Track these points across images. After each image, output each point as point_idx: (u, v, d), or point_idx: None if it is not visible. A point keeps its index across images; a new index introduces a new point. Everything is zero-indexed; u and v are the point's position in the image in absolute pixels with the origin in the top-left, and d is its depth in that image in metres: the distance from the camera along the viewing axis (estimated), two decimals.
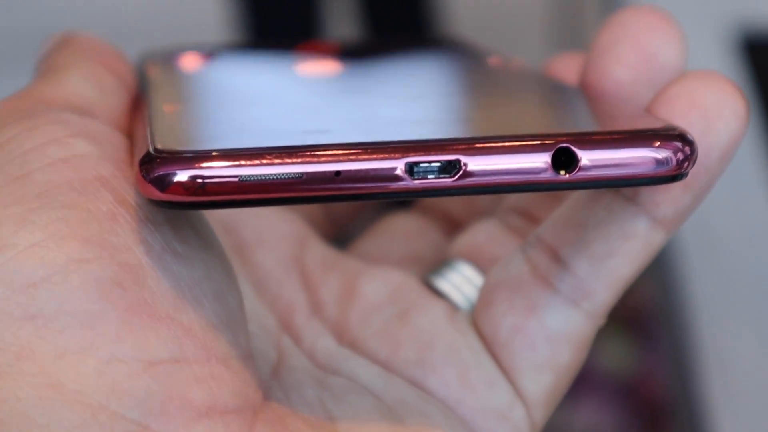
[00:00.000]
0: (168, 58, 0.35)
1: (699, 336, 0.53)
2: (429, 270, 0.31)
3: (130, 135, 0.27)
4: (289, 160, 0.23)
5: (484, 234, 0.31)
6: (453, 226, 0.34)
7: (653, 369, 1.13)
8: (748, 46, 0.69)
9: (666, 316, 0.60)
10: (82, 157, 0.25)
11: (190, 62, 0.35)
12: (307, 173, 0.23)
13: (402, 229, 0.34)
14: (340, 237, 0.35)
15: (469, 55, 0.37)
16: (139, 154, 0.24)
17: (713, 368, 0.52)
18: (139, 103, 0.29)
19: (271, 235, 0.31)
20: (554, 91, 0.31)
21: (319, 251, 0.31)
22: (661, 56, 0.28)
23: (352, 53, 0.39)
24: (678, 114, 0.26)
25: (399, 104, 0.29)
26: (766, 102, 0.65)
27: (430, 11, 1.60)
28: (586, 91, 0.29)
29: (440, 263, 0.31)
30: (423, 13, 1.60)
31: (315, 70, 0.36)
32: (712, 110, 0.27)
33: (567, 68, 0.32)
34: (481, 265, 0.31)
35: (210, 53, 0.36)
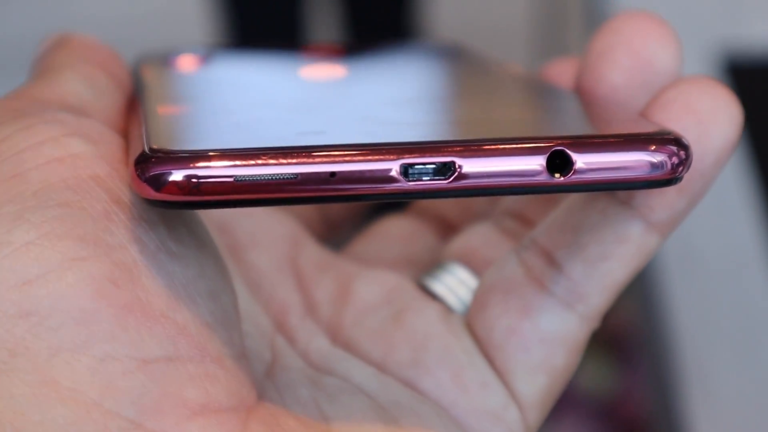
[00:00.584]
0: (163, 60, 0.35)
1: (680, 356, 0.53)
2: (423, 272, 0.31)
3: (125, 135, 0.27)
4: (284, 161, 0.23)
5: (478, 237, 0.31)
6: (447, 229, 0.34)
7: (632, 389, 1.13)
8: (732, 69, 0.69)
9: (647, 337, 0.60)
10: (78, 156, 0.25)
11: (185, 63, 0.35)
12: (302, 174, 0.23)
13: (396, 232, 0.34)
14: (335, 239, 0.35)
15: (465, 58, 0.37)
16: (134, 153, 0.24)
17: (695, 388, 0.52)
18: (134, 103, 0.29)
19: (265, 235, 0.31)
20: (549, 95, 0.31)
21: (313, 252, 0.32)
22: (656, 61, 0.28)
23: (348, 55, 0.39)
24: (673, 118, 0.26)
25: (394, 106, 0.29)
26: (751, 124, 0.65)
27: (413, 22, 1.61)
28: (581, 96, 0.29)
29: (434, 265, 0.31)
30: (406, 23, 1.60)
31: (310, 71, 0.36)
32: (707, 115, 0.27)
33: (562, 73, 0.32)
34: (475, 267, 0.31)
35: (205, 55, 0.36)
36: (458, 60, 0.38)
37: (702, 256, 0.57)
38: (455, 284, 0.30)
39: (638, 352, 1.10)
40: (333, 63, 0.38)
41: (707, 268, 0.57)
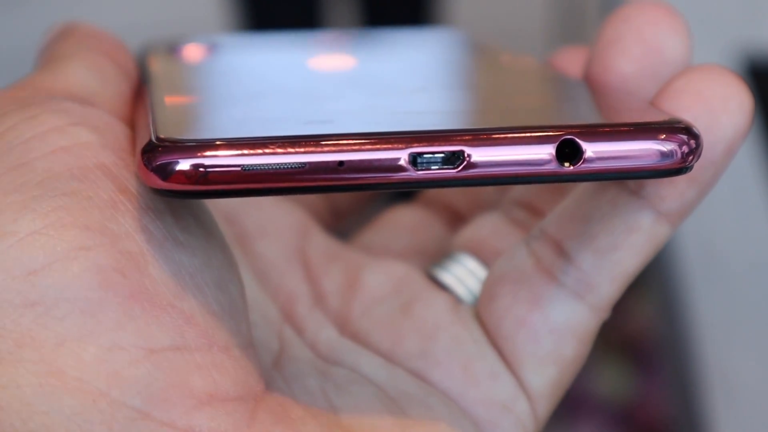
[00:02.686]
0: (170, 49, 0.35)
1: (703, 359, 0.53)
2: (432, 262, 0.31)
3: (131, 124, 0.27)
4: (292, 150, 0.23)
5: (487, 227, 0.31)
6: (456, 219, 0.34)
7: (651, 394, 1.13)
8: (752, 72, 0.69)
9: (668, 340, 0.60)
10: (83, 145, 0.25)
11: (192, 53, 0.35)
12: (310, 163, 0.23)
13: (405, 222, 0.34)
14: (343, 229, 0.34)
15: (474, 46, 0.37)
16: (141, 142, 0.24)
17: (717, 392, 0.52)
18: (140, 92, 0.29)
19: (273, 225, 0.31)
20: (558, 84, 0.30)
21: (321, 242, 0.31)
22: (665, 50, 0.28)
23: (355, 43, 0.39)
24: (683, 107, 0.26)
25: (403, 95, 0.29)
26: None
27: (430, 13, 1.61)
28: (591, 84, 0.29)
29: (443, 256, 0.31)
30: (424, 14, 1.60)
31: (318, 60, 0.36)
32: (718, 104, 0.26)
33: (571, 62, 0.32)
34: (484, 258, 0.30)
35: (212, 44, 0.36)
36: (467, 48, 0.37)
37: (724, 258, 0.57)
38: (464, 274, 0.30)
39: (657, 357, 1.10)
40: (341, 51, 0.38)
41: (729, 271, 0.57)
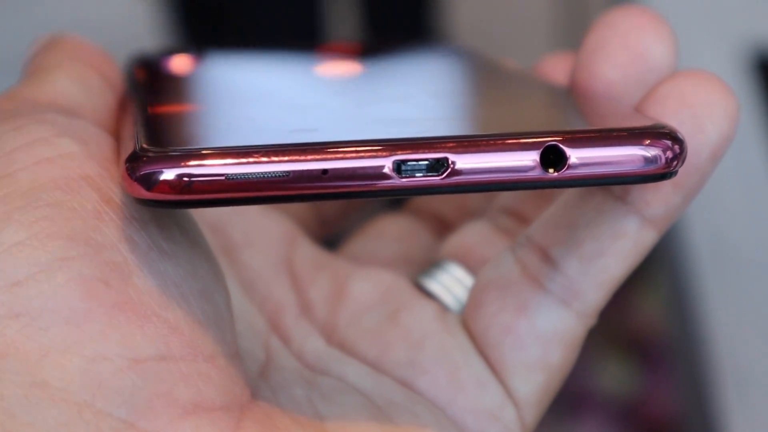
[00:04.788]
0: (155, 60, 0.35)
1: (715, 355, 0.53)
2: (419, 271, 0.31)
3: (116, 135, 0.27)
4: (275, 159, 0.23)
5: (474, 235, 0.31)
6: (443, 227, 0.34)
7: (655, 390, 1.12)
8: (761, 65, 0.69)
9: (679, 336, 0.60)
10: (68, 156, 0.25)
11: (176, 63, 0.35)
12: (293, 171, 0.23)
13: (392, 230, 0.34)
14: (330, 238, 0.34)
15: (458, 55, 0.37)
16: (126, 152, 0.24)
17: (730, 388, 0.51)
18: (125, 103, 0.29)
19: (260, 235, 0.31)
20: (543, 91, 0.30)
21: (308, 252, 0.31)
22: (650, 55, 0.28)
23: (339, 53, 0.39)
24: (668, 113, 0.26)
25: (387, 103, 0.29)
26: None
27: (433, 17, 1.60)
28: (576, 91, 0.29)
29: (430, 264, 0.31)
30: (426, 18, 1.60)
31: (302, 69, 0.36)
32: (702, 109, 0.26)
33: (557, 68, 0.32)
34: (471, 265, 0.30)
35: (197, 54, 0.36)
36: (452, 56, 0.37)
37: (734, 251, 0.57)
38: (451, 283, 0.30)
39: (664, 352, 1.10)
40: (327, 60, 0.38)
41: (741, 266, 0.57)
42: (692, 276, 0.56)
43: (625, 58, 0.28)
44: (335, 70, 0.35)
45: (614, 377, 1.13)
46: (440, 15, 1.61)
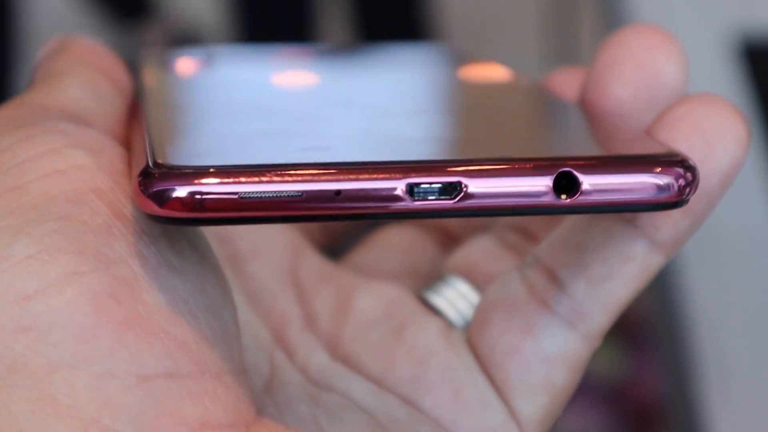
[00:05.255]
0: (165, 62, 0.35)
1: (696, 340, 0.53)
2: (424, 284, 0.31)
3: (126, 143, 0.27)
4: (289, 179, 0.23)
5: (479, 250, 0.31)
6: (449, 241, 0.33)
7: (643, 373, 1.13)
8: (748, 53, 0.69)
9: (663, 321, 0.60)
10: (79, 168, 0.25)
11: (187, 67, 0.35)
12: (307, 192, 0.23)
13: (397, 242, 0.33)
14: (335, 248, 0.34)
15: (470, 67, 0.37)
16: (138, 166, 0.24)
17: (711, 372, 0.52)
18: (135, 109, 0.29)
19: (265, 246, 0.31)
20: (555, 110, 0.30)
21: (314, 263, 0.31)
22: (662, 76, 0.28)
23: (353, 62, 0.39)
24: (679, 138, 0.26)
25: (399, 120, 0.29)
26: (767, 109, 0.65)
27: (423, 17, 1.60)
28: (586, 110, 0.29)
29: (435, 278, 0.31)
30: (416, 19, 1.60)
31: (314, 81, 0.35)
32: (714, 135, 0.26)
33: (566, 84, 0.32)
34: (476, 281, 0.30)
35: (207, 58, 0.36)
36: (463, 69, 0.37)
37: (719, 239, 0.57)
38: (456, 298, 0.30)
39: (650, 336, 1.10)
40: (338, 68, 0.37)
41: (724, 252, 0.57)
42: (677, 262, 0.57)
43: (636, 77, 0.28)
44: (348, 81, 0.35)
45: (602, 360, 1.13)
46: (431, 9, 1.61)
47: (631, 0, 0.74)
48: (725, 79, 0.66)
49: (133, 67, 0.32)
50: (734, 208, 0.58)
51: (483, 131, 0.28)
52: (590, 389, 1.13)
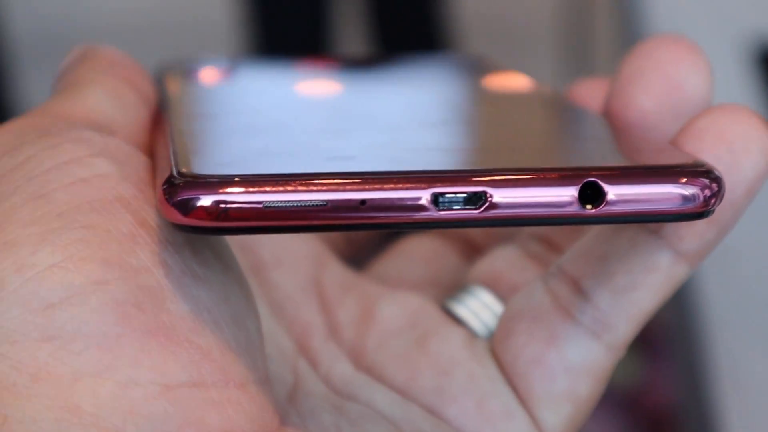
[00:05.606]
0: (187, 72, 0.35)
1: (711, 348, 0.53)
2: (447, 294, 0.31)
3: (150, 152, 0.27)
4: (314, 188, 0.23)
5: (503, 260, 0.31)
6: (471, 250, 0.33)
7: (657, 380, 1.12)
8: (763, 59, 0.69)
9: (678, 328, 0.60)
10: (103, 177, 0.25)
11: (210, 77, 0.35)
12: (332, 201, 0.23)
13: (420, 252, 0.33)
14: (358, 258, 0.34)
15: (494, 77, 0.37)
16: (162, 175, 0.24)
17: (725, 380, 0.52)
18: (158, 118, 0.29)
19: (289, 255, 0.31)
20: (579, 120, 0.30)
21: (337, 272, 0.31)
22: (687, 86, 0.28)
23: (375, 71, 0.39)
24: (705, 148, 0.26)
25: (424, 131, 0.29)
26: None
27: (440, 23, 1.60)
28: (611, 120, 0.29)
29: (458, 288, 0.31)
30: (433, 26, 1.60)
31: (338, 88, 0.36)
32: (740, 145, 0.26)
33: (590, 94, 0.32)
34: (499, 291, 0.30)
35: (229, 68, 0.36)
36: (486, 78, 0.37)
37: (734, 246, 0.57)
38: (479, 308, 0.30)
39: (665, 344, 1.09)
40: (361, 79, 0.37)
41: (739, 259, 0.57)
42: (692, 275, 0.56)
43: (661, 88, 0.28)
44: (371, 90, 0.35)
45: (618, 368, 1.13)
46: (447, 16, 1.61)
47: (647, 7, 0.73)
48: (742, 86, 0.66)
49: (157, 77, 0.32)
50: (749, 216, 0.58)
51: (508, 142, 0.28)
52: (605, 397, 1.12)
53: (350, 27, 1.66)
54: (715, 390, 0.52)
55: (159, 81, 0.32)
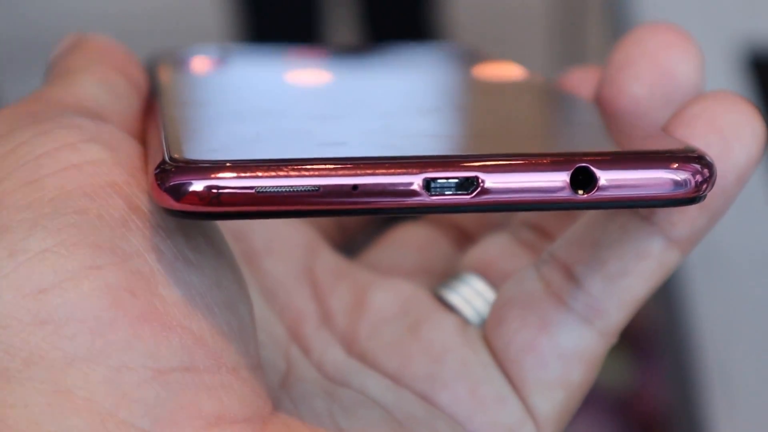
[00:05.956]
0: (179, 61, 0.35)
1: (701, 352, 0.53)
2: (439, 282, 0.31)
3: (142, 140, 0.27)
4: (306, 173, 0.23)
5: (495, 248, 0.31)
6: (464, 238, 0.33)
7: (649, 384, 1.13)
8: (754, 64, 0.69)
9: (667, 333, 0.60)
10: (95, 162, 0.25)
11: (202, 65, 0.35)
12: (324, 186, 0.23)
13: (412, 240, 0.33)
14: (351, 246, 0.34)
15: (485, 65, 0.37)
16: (154, 161, 0.24)
17: (716, 384, 0.52)
18: (151, 106, 0.29)
19: (281, 243, 0.31)
20: (570, 107, 0.30)
21: (329, 260, 0.31)
22: (678, 73, 0.28)
23: (367, 59, 0.39)
24: (696, 135, 0.26)
25: (415, 116, 0.29)
26: None
27: (432, 19, 1.60)
28: (602, 107, 0.29)
29: (451, 276, 0.31)
30: (425, 21, 1.60)
31: (329, 75, 0.36)
32: (731, 132, 0.26)
33: (582, 82, 0.32)
34: (491, 278, 0.30)
35: (222, 57, 0.36)
36: (478, 67, 0.37)
37: (724, 251, 0.57)
38: (472, 295, 0.30)
39: (656, 348, 1.10)
40: (352, 67, 0.38)
41: (729, 264, 0.57)
42: (681, 273, 0.57)
43: (652, 75, 0.28)
44: (363, 77, 0.35)
45: (609, 371, 1.13)
46: (438, 11, 1.61)
47: (637, 9, 0.74)
48: (732, 89, 0.66)
49: (149, 66, 0.32)
50: (739, 220, 0.58)
51: (500, 128, 0.28)
52: (597, 400, 1.12)
53: (343, 27, 1.66)
54: (704, 393, 0.52)
55: (151, 69, 0.32)
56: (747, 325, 0.55)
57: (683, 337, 0.55)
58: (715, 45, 0.70)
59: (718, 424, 0.51)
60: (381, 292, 0.30)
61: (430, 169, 0.23)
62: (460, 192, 0.23)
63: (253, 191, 0.23)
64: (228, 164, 0.23)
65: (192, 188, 0.22)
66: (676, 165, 0.24)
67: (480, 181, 0.23)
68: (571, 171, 0.23)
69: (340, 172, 0.23)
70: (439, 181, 0.23)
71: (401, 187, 0.23)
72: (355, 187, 0.23)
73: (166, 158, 0.23)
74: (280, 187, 0.23)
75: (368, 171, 0.23)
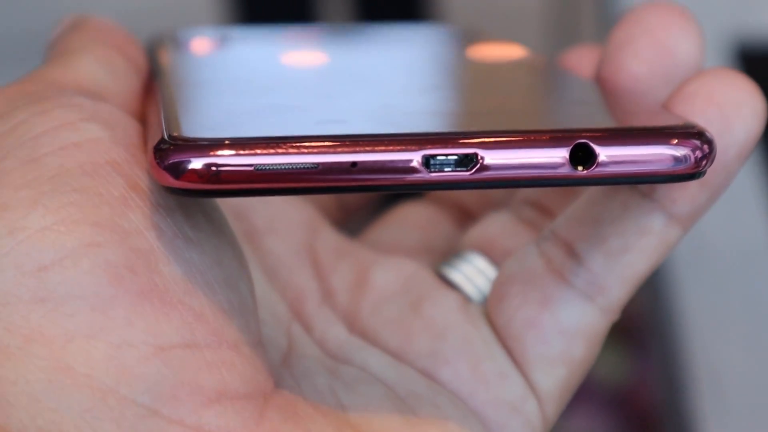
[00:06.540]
0: (179, 42, 0.35)
1: (690, 348, 0.53)
2: (441, 260, 0.31)
3: (142, 119, 0.27)
4: (305, 150, 0.23)
5: (496, 226, 0.31)
6: (465, 217, 0.33)
7: (645, 378, 1.13)
8: (744, 57, 0.69)
9: (657, 328, 0.60)
10: (95, 141, 0.25)
11: (201, 46, 0.35)
12: (323, 163, 0.23)
13: (414, 219, 0.33)
14: (352, 225, 0.34)
15: (484, 44, 0.37)
16: (153, 139, 0.24)
17: (703, 380, 0.52)
18: (150, 86, 0.29)
19: (282, 221, 0.31)
20: (570, 85, 0.30)
21: (331, 239, 0.31)
22: (678, 51, 0.28)
23: (369, 39, 0.39)
24: (696, 111, 0.26)
25: (414, 94, 0.29)
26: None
27: (424, 10, 1.60)
28: (602, 85, 0.29)
29: (452, 254, 0.31)
30: (418, 5, 1.59)
31: (328, 55, 0.36)
32: (731, 108, 0.26)
33: (582, 61, 0.32)
34: (493, 256, 0.30)
35: (221, 37, 0.36)
36: (477, 46, 0.37)
37: (713, 247, 0.57)
38: (473, 273, 0.30)
39: (649, 342, 1.10)
40: (351, 46, 0.37)
41: (718, 260, 0.57)
42: (670, 269, 0.57)
43: (652, 53, 0.28)
44: (362, 56, 0.35)
45: (605, 365, 1.13)
46: (431, 4, 1.61)
47: (629, 6, 0.74)
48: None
49: (149, 47, 0.32)
50: (729, 216, 0.58)
51: (499, 106, 0.28)
52: (593, 394, 1.13)
53: (334, 11, 1.66)
54: (692, 389, 0.52)
55: (150, 50, 0.32)
56: (734, 319, 0.55)
57: (670, 334, 0.55)
58: (705, 38, 0.70)
59: (705, 417, 0.51)
60: (383, 270, 0.30)
61: (429, 146, 0.23)
62: (459, 168, 0.23)
63: (251, 168, 0.23)
64: (227, 142, 0.23)
65: (191, 166, 0.23)
66: (675, 141, 0.24)
67: (479, 157, 0.23)
68: (571, 147, 0.23)
69: (339, 149, 0.23)
70: (439, 158, 0.23)
71: (400, 164, 0.23)
72: (354, 164, 0.23)
73: (165, 136, 0.23)
74: (279, 164, 0.23)
75: (367, 148, 0.23)
